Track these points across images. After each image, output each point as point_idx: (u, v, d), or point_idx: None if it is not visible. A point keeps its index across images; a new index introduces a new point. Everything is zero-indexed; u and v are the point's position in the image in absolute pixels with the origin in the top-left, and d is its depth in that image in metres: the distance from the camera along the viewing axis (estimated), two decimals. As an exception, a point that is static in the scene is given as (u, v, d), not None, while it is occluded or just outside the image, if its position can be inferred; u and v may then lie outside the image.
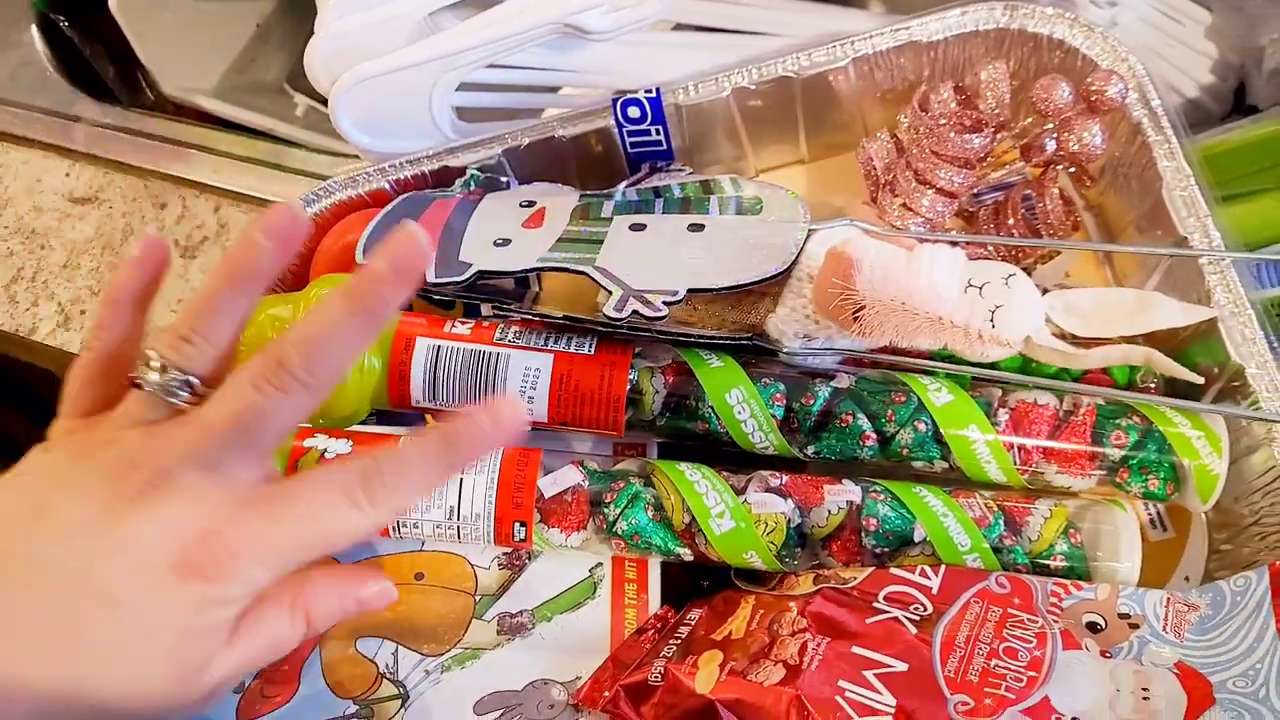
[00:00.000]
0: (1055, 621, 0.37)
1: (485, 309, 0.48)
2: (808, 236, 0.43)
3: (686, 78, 0.50)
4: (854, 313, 0.40)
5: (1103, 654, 0.36)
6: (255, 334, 0.42)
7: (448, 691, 0.41)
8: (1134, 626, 0.37)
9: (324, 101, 0.50)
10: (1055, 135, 0.46)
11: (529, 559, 0.43)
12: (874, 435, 0.42)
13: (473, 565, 0.43)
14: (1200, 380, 0.43)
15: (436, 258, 0.44)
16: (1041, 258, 0.49)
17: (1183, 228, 0.44)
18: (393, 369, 0.43)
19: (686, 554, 0.42)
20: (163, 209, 0.67)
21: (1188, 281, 0.44)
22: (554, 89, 0.54)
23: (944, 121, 0.46)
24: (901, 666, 0.35)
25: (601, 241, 0.43)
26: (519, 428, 0.33)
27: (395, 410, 0.45)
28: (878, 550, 0.41)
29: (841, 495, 0.41)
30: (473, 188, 0.50)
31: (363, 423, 0.45)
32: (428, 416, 0.45)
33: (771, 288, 0.44)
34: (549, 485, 0.41)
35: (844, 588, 0.38)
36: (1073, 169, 0.48)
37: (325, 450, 0.42)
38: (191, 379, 0.33)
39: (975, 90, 0.47)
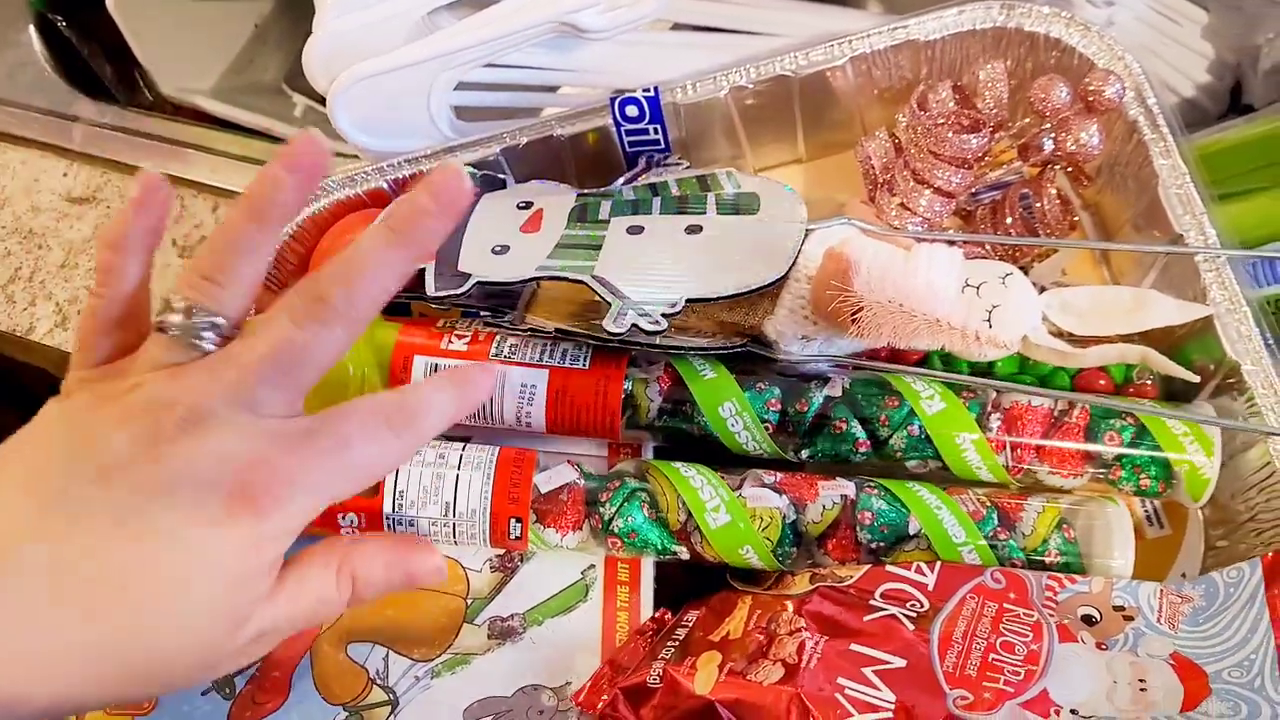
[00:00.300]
0: (1051, 615, 0.37)
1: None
2: (805, 236, 0.43)
3: (684, 77, 0.50)
4: (852, 314, 0.40)
5: (1099, 646, 0.37)
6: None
7: (437, 697, 0.41)
8: (1129, 619, 0.37)
9: (322, 101, 0.50)
10: (1053, 135, 0.46)
11: (521, 561, 0.43)
12: (867, 441, 0.42)
13: (465, 568, 0.43)
14: (1196, 378, 0.43)
15: (435, 263, 0.44)
16: (1038, 256, 0.49)
17: (1179, 226, 0.44)
18: (392, 387, 0.43)
19: (683, 552, 0.42)
20: (161, 208, 0.67)
21: (1184, 279, 0.45)
22: (552, 88, 0.54)
23: (942, 121, 0.47)
24: (900, 663, 0.35)
25: (599, 247, 0.44)
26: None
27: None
28: (873, 546, 0.41)
29: (836, 490, 0.41)
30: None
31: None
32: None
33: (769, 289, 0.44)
34: (545, 482, 0.42)
35: (840, 586, 0.39)
36: (1070, 168, 0.48)
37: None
38: (218, 320, 0.32)
39: (973, 90, 0.48)
